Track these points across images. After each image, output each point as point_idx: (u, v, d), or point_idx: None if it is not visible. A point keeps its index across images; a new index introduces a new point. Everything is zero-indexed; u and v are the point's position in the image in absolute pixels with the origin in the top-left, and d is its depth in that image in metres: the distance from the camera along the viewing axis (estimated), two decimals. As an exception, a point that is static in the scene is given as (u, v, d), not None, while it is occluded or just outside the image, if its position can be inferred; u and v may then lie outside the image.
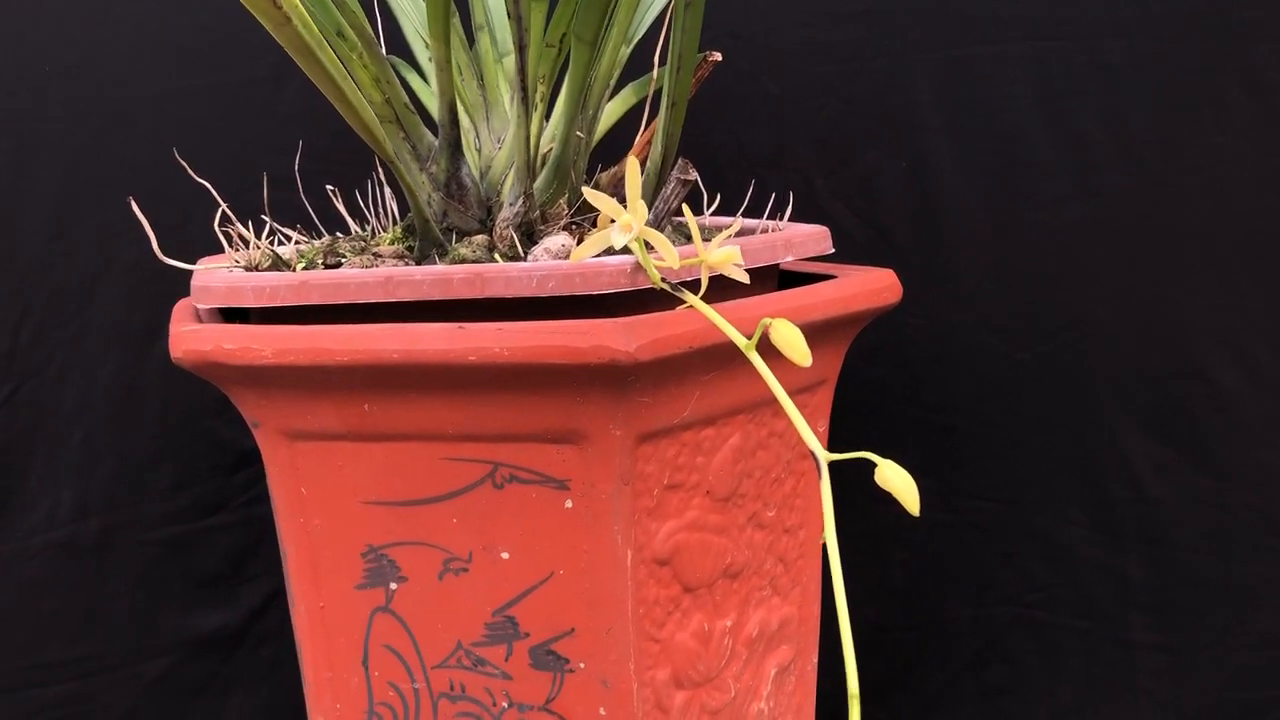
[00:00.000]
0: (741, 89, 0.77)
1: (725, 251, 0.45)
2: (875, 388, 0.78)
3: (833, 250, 0.58)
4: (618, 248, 0.42)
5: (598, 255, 0.46)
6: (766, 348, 0.43)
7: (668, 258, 0.42)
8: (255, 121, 0.78)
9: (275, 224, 0.60)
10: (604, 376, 0.45)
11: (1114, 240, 0.75)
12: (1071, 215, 0.75)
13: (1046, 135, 0.75)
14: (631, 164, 0.41)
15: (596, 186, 0.59)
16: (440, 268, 0.47)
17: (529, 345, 0.44)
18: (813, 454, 0.36)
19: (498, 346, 0.45)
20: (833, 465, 0.79)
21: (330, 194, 0.63)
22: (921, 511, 0.79)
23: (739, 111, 0.78)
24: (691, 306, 0.43)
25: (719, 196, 0.66)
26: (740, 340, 0.40)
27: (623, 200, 0.41)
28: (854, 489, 0.79)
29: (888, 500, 0.81)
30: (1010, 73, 0.75)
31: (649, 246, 0.42)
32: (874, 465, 0.36)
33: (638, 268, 0.47)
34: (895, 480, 0.35)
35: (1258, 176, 0.73)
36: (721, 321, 0.40)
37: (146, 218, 0.53)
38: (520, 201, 0.54)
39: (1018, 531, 0.78)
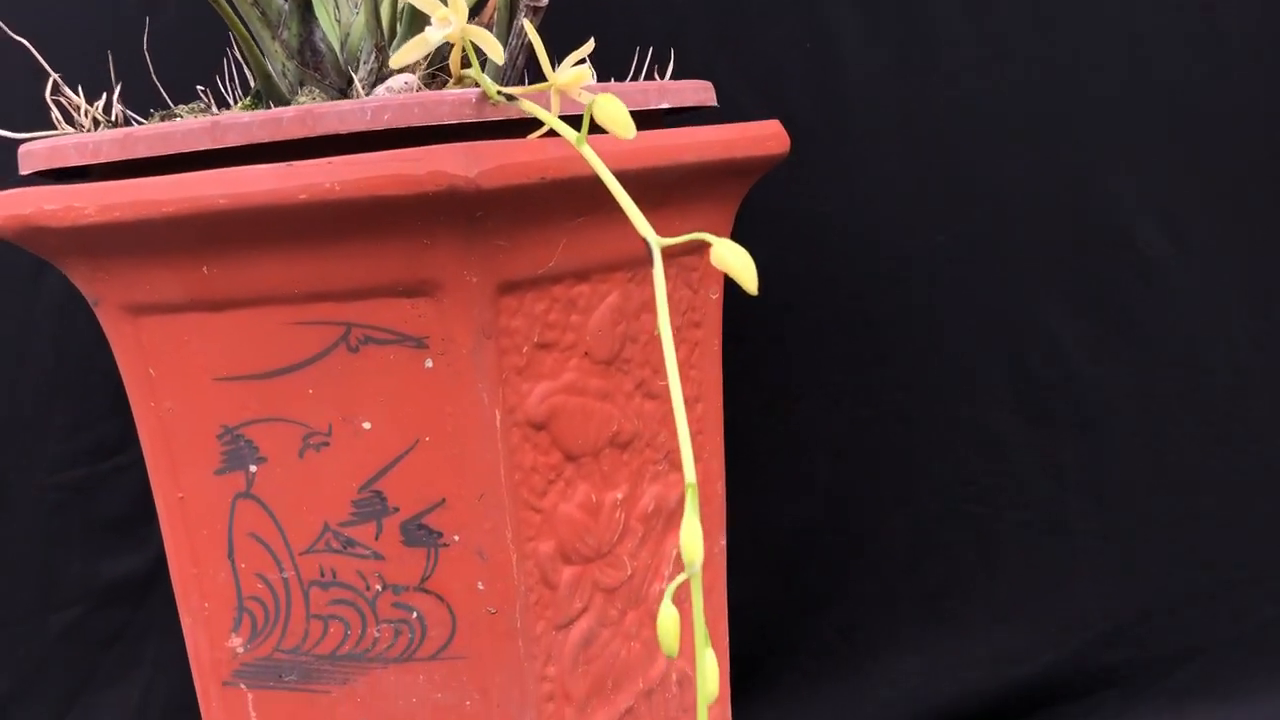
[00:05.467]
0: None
1: (575, 72, 0.42)
2: (790, 280, 0.75)
3: (715, 104, 0.56)
4: (435, 43, 0.39)
5: (442, 88, 0.43)
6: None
7: (492, 54, 0.39)
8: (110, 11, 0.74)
9: (128, 111, 0.57)
10: (448, 212, 0.42)
11: (1028, 108, 0.72)
12: (982, 84, 0.72)
13: (953, 1, 0.72)
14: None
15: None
16: (271, 111, 0.44)
17: (361, 177, 0.41)
18: (645, 241, 0.33)
19: (328, 181, 0.41)
20: (747, 358, 0.76)
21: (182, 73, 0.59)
22: (847, 406, 0.76)
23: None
24: (545, 135, 0.40)
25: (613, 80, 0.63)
26: (569, 133, 0.37)
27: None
28: (770, 386, 0.77)
29: (804, 395, 0.78)
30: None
31: (481, 55, 0.38)
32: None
33: (484, 98, 0.43)
34: (730, 258, 0.32)
35: (1174, 35, 0.71)
36: (550, 117, 0.37)
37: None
38: (373, 58, 0.51)
39: (945, 421, 0.75)
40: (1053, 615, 0.75)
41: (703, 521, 0.56)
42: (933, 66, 0.72)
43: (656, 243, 0.33)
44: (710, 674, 0.31)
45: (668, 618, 0.31)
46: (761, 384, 0.76)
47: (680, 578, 0.31)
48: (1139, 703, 0.74)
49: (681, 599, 0.51)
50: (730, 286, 0.61)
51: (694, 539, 0.30)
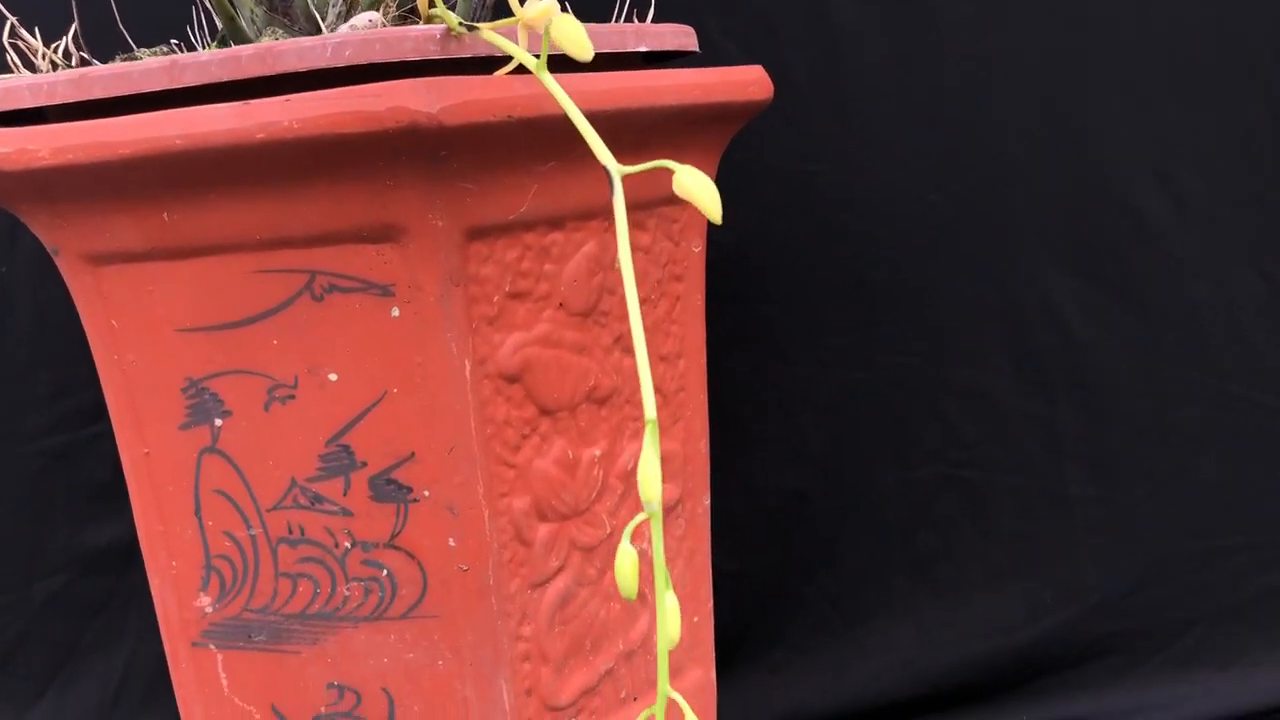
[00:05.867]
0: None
1: (543, 6, 0.40)
2: (781, 242, 0.73)
3: (697, 50, 0.54)
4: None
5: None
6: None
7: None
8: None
9: (91, 57, 0.55)
10: (411, 151, 0.41)
11: (1026, 67, 0.70)
12: (979, 43, 0.70)
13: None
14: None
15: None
16: (229, 49, 0.43)
17: (319, 114, 0.40)
18: (605, 168, 0.31)
19: (286, 119, 0.40)
20: (738, 320, 0.74)
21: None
22: (839, 370, 0.75)
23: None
24: (515, 71, 0.39)
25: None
26: (530, 60, 0.35)
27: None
28: (761, 349, 0.75)
29: (796, 359, 0.77)
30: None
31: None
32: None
33: (449, 34, 0.42)
34: (693, 186, 0.30)
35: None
36: (515, 48, 0.36)
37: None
38: (342, 1, 0.49)
39: (941, 386, 0.74)
40: (1048, 583, 0.74)
41: (686, 481, 0.55)
42: (929, 25, 0.70)
43: (617, 170, 0.31)
44: (671, 618, 0.29)
45: (626, 558, 0.29)
46: (752, 347, 0.74)
47: (639, 517, 0.29)
48: (1136, 671, 0.73)
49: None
50: (715, 242, 0.60)
51: (652, 476, 0.29)
